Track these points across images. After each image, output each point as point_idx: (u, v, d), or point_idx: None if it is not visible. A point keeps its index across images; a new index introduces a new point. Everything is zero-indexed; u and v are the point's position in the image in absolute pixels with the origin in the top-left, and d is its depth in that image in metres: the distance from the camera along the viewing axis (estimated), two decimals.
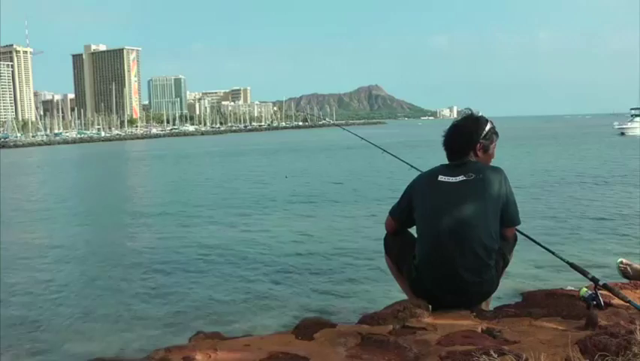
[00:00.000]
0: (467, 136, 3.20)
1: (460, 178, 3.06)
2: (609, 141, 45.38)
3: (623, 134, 53.61)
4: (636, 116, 56.45)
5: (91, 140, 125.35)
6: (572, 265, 3.19)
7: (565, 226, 9.87)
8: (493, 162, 3.30)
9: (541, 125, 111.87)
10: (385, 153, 5.21)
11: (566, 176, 19.21)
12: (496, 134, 3.28)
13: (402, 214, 3.30)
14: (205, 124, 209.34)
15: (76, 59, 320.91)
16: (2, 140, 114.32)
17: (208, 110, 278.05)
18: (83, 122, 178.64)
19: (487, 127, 3.21)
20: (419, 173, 3.46)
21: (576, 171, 21.05)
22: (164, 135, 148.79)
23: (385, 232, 3.46)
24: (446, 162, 3.26)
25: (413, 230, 3.35)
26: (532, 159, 28.44)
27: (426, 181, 3.22)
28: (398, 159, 4.83)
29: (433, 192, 3.11)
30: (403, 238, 3.37)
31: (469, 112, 3.31)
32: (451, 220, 3.00)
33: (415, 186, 3.26)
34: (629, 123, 55.77)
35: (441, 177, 3.11)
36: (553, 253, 3.37)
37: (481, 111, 3.37)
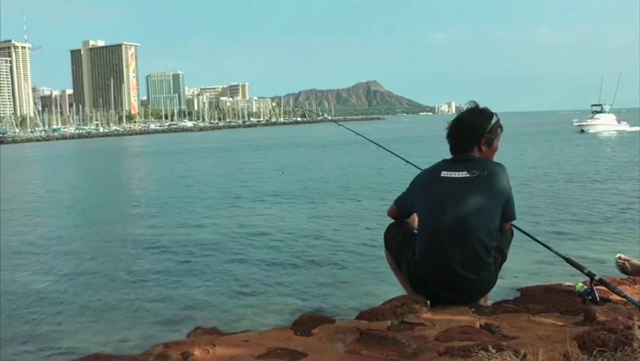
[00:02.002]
0: (472, 130, 3.12)
1: (464, 174, 3.02)
2: (561, 139, 43.02)
3: (582, 131, 51.06)
4: (597, 112, 53.50)
5: (89, 135, 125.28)
6: (568, 260, 3.18)
7: (564, 222, 9.86)
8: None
9: (521, 121, 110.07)
10: (380, 149, 5.18)
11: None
12: (501, 127, 3.20)
13: (404, 209, 3.31)
14: (203, 120, 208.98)
15: (75, 54, 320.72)
16: (1, 135, 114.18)
17: (206, 105, 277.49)
18: (81, 117, 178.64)
19: (493, 121, 3.14)
20: (414, 167, 3.46)
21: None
22: (163, 131, 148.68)
23: (385, 227, 3.45)
24: (439, 157, 3.24)
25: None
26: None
27: (428, 177, 3.20)
28: (393, 154, 4.80)
29: (436, 188, 3.09)
30: (403, 234, 3.35)
31: (474, 104, 3.21)
32: (452, 217, 2.98)
33: (418, 182, 3.24)
34: (589, 120, 53.22)
35: (444, 173, 3.08)
36: (549, 248, 3.36)
37: None
